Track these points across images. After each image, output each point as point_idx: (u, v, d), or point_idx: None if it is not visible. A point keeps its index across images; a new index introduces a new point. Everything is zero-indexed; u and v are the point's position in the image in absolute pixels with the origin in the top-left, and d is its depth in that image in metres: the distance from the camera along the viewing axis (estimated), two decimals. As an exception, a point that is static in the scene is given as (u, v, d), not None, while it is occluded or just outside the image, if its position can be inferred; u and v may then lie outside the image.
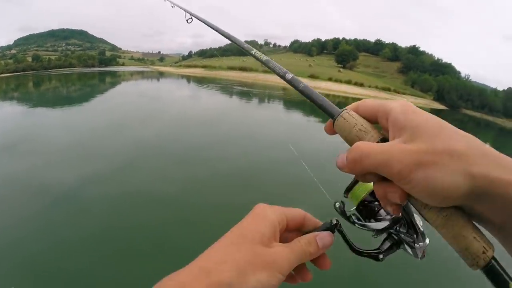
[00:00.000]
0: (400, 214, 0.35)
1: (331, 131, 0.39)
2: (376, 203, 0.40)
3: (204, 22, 0.79)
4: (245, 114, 14.75)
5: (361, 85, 58.73)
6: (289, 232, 0.40)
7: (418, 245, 0.33)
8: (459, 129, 0.31)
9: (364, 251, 0.39)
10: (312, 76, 57.88)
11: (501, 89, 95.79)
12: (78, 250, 3.65)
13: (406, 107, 0.33)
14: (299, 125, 13.48)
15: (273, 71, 0.49)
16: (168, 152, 7.34)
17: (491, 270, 0.29)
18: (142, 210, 4.53)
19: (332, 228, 0.39)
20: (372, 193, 0.40)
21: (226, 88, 27.08)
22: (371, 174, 0.32)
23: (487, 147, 0.29)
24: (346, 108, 0.38)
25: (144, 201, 4.80)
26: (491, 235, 0.31)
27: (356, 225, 0.40)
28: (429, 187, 0.28)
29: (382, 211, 0.40)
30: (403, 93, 63.58)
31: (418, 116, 0.31)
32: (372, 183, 0.35)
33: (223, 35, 0.66)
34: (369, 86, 59.52)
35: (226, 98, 21.54)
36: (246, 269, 0.32)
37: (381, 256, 0.38)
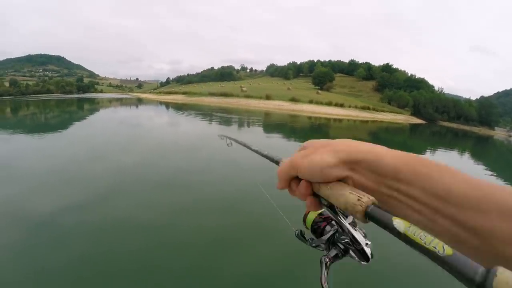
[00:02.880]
0: (323, 210, 0.46)
1: None
2: (323, 222, 0.51)
3: None
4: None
5: (341, 105, 59.29)
6: None
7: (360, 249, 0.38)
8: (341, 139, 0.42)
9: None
10: (293, 100, 57.64)
11: (473, 98, 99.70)
12: (59, 278, 3.43)
13: (310, 141, 0.45)
14: (280, 146, 13.24)
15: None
16: (148, 177, 7.17)
17: (373, 214, 0.32)
18: (125, 235, 4.42)
19: None
20: (319, 215, 0.52)
21: (207, 114, 26.95)
22: (291, 180, 0.43)
23: (354, 142, 0.40)
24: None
25: (126, 226, 4.70)
26: None
27: (313, 245, 0.49)
28: (311, 166, 0.39)
29: (327, 227, 0.49)
30: (382, 111, 64.76)
31: (313, 141, 0.44)
32: (318, 211, 0.49)
33: None
34: (349, 106, 60.15)
35: (206, 124, 21.20)
36: None
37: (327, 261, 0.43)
